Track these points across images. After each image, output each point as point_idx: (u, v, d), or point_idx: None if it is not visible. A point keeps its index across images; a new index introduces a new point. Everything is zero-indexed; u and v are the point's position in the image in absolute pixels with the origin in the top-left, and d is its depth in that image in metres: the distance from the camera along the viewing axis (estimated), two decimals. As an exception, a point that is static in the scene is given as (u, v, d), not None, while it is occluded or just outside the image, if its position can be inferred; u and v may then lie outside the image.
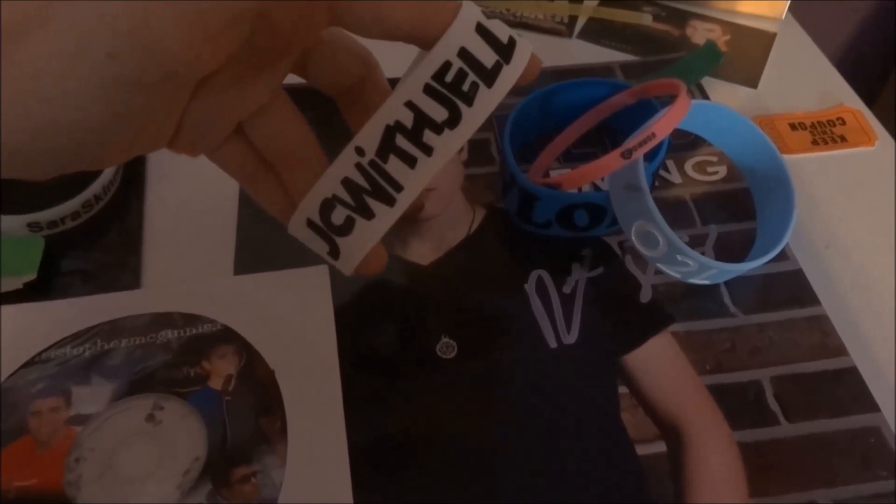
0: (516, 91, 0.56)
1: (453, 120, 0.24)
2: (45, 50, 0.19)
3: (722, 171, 0.49)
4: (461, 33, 0.24)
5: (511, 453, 0.36)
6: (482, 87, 0.24)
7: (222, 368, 0.38)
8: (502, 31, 0.24)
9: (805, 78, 0.58)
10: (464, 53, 0.24)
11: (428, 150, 0.24)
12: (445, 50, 0.24)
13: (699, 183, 0.49)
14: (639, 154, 0.39)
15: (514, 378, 0.38)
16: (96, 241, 0.44)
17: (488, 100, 0.24)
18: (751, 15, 0.63)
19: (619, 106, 0.48)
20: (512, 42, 0.24)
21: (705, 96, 0.55)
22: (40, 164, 0.22)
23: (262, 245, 0.44)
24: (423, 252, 0.44)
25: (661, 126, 0.39)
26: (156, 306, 0.40)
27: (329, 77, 0.28)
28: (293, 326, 0.39)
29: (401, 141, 0.24)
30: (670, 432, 0.37)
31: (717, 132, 0.47)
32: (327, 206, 0.26)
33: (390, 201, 0.25)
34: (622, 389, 0.38)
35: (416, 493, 0.34)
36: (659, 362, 0.39)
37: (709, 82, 0.57)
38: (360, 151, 0.25)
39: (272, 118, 0.27)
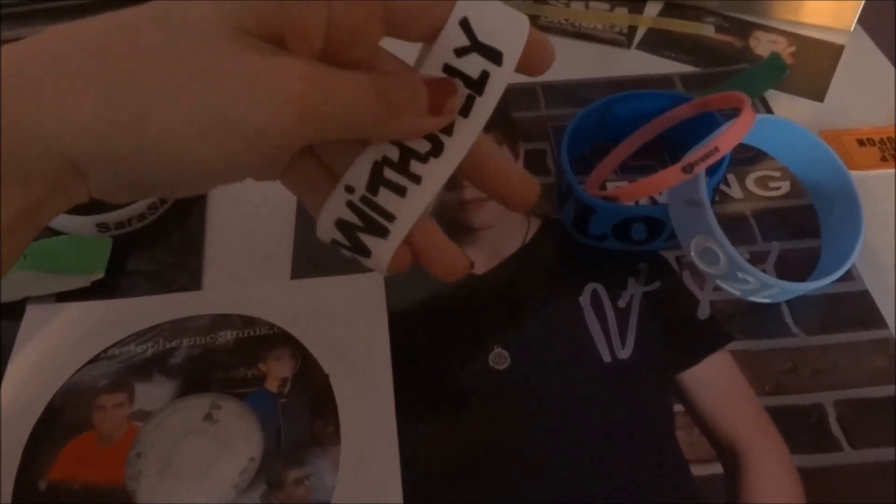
0: (573, 102, 0.55)
1: (436, 149, 0.25)
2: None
3: (785, 186, 0.48)
4: (441, 53, 0.25)
5: (562, 467, 0.35)
6: (458, 118, 0.25)
7: (278, 371, 0.38)
8: (473, 68, 0.25)
9: (874, 92, 0.56)
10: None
11: (416, 179, 0.25)
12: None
13: (761, 198, 0.47)
14: (700, 168, 0.38)
15: (567, 391, 0.38)
16: (160, 242, 0.45)
17: (467, 129, 0.25)
18: (817, 26, 0.62)
19: (679, 118, 0.47)
20: (484, 75, 0.25)
21: (769, 110, 0.54)
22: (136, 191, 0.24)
23: (318, 250, 0.44)
24: (476, 261, 0.44)
25: (725, 140, 0.38)
26: (215, 308, 0.41)
27: None
28: (348, 332, 0.40)
29: (389, 174, 0.25)
30: (727, 454, 0.36)
31: (780, 147, 0.46)
32: (333, 246, 0.27)
33: (383, 233, 0.26)
34: (678, 408, 0.37)
35: (465, 502, 0.34)
36: (716, 381, 0.38)
37: (773, 95, 0.55)
38: (349, 189, 0.26)
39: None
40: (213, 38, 0.21)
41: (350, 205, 0.26)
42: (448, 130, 0.25)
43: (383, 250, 0.26)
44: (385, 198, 0.26)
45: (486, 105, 0.25)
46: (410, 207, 0.26)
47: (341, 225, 0.26)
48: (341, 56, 0.25)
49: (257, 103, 0.21)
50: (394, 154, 0.25)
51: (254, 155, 0.23)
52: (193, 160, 0.22)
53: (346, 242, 0.26)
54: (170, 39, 0.21)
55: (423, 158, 0.25)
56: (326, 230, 0.26)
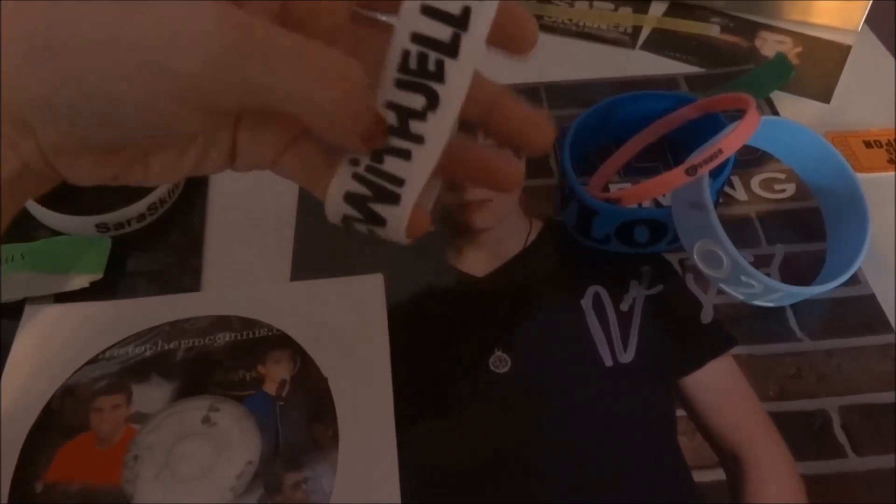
0: (577, 103, 0.55)
1: (432, 102, 0.24)
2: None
3: (790, 188, 0.47)
4: (408, 20, 0.24)
5: (561, 471, 0.35)
6: (447, 60, 0.24)
7: (277, 373, 0.38)
8: (452, 5, 0.24)
9: (881, 93, 0.55)
10: (417, 37, 0.24)
11: (419, 139, 0.25)
12: (399, 41, 0.24)
13: (766, 201, 0.47)
14: (704, 171, 0.38)
15: (568, 395, 0.38)
16: (160, 243, 0.45)
17: (459, 70, 0.24)
18: (824, 26, 0.61)
19: (683, 119, 0.46)
20: (466, 11, 0.24)
21: (775, 111, 0.54)
22: (89, 128, 0.23)
23: (318, 252, 0.44)
24: (478, 263, 0.43)
25: (729, 142, 0.38)
26: (215, 309, 0.41)
27: None
28: (347, 334, 0.40)
29: (391, 140, 0.25)
30: (730, 460, 0.35)
31: (786, 148, 0.46)
32: (346, 223, 0.26)
33: (395, 199, 0.25)
34: (680, 412, 0.37)
35: (465, 508, 0.34)
36: (719, 386, 0.38)
37: (778, 97, 0.55)
38: (354, 162, 0.25)
39: None
40: None
41: (357, 176, 0.25)
42: (439, 77, 0.24)
43: (397, 216, 0.26)
44: (391, 164, 0.25)
45: (475, 40, 0.24)
46: (418, 169, 0.25)
47: (351, 198, 0.26)
48: (307, 24, 0.24)
49: (168, 43, 0.20)
50: (392, 119, 0.25)
51: (177, 104, 0.21)
52: (122, 104, 0.22)
53: (358, 215, 0.26)
54: None
55: (421, 115, 0.24)
56: (336, 206, 0.26)
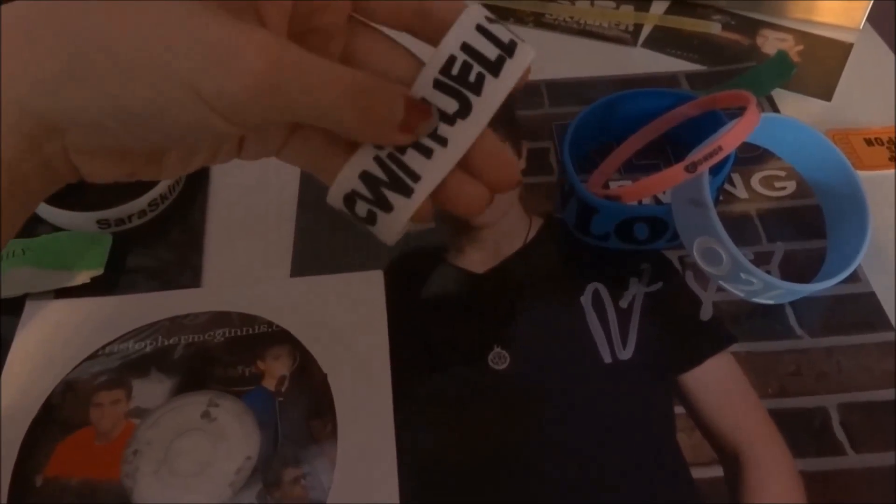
0: (578, 100, 0.55)
1: (464, 110, 0.25)
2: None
3: (791, 186, 0.47)
4: (463, 30, 0.25)
5: (560, 468, 0.35)
6: (488, 77, 0.25)
7: (276, 369, 0.38)
8: (503, 33, 0.26)
9: (883, 91, 0.55)
10: (467, 48, 0.25)
11: (443, 142, 0.26)
12: (449, 45, 0.25)
13: (766, 198, 0.47)
14: (704, 168, 0.38)
15: (566, 392, 0.38)
16: (161, 239, 0.45)
17: (496, 89, 0.25)
18: (826, 24, 0.61)
19: (684, 117, 0.46)
20: (513, 43, 0.26)
21: (776, 109, 0.53)
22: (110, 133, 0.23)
23: (318, 248, 0.44)
24: (477, 260, 0.43)
25: (729, 139, 0.38)
26: (215, 305, 0.41)
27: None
28: (347, 330, 0.40)
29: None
30: (728, 457, 0.35)
31: (786, 146, 0.46)
32: (350, 200, 0.27)
33: (407, 192, 0.26)
34: (679, 410, 0.37)
35: (462, 502, 0.34)
36: (718, 383, 0.38)
37: (780, 94, 0.55)
38: (378, 145, 0.26)
39: None
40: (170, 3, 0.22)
41: (378, 159, 0.26)
42: (477, 89, 0.25)
43: (405, 208, 0.26)
44: (412, 157, 0.26)
45: (515, 68, 0.25)
46: (435, 170, 0.26)
47: (366, 177, 0.26)
48: (313, 20, 0.25)
49: (213, 70, 0.21)
50: None
51: (215, 118, 0.22)
52: (156, 120, 0.22)
53: (368, 195, 0.26)
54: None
55: (451, 120, 0.25)
56: (349, 181, 0.26)
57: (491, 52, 0.25)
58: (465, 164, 0.27)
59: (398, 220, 0.26)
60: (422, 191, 0.26)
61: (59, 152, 0.24)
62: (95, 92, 0.22)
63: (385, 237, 0.27)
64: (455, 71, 0.25)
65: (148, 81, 0.22)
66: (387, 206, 0.26)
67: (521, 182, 0.28)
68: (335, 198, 0.27)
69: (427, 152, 0.26)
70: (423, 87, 0.25)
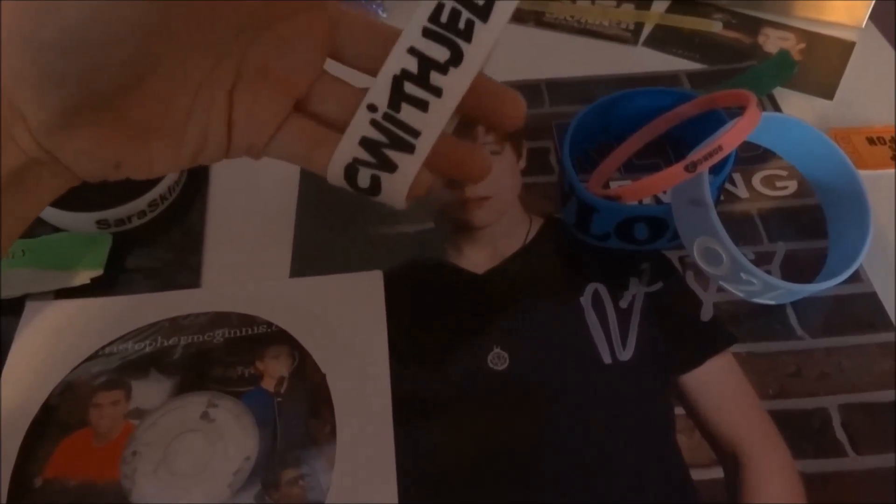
0: (578, 99, 0.55)
1: (456, 58, 0.25)
2: None
3: (792, 185, 0.47)
4: None
5: (559, 469, 0.35)
6: (478, 22, 0.25)
7: (275, 370, 0.38)
8: None
9: (885, 89, 0.55)
10: None
11: (437, 92, 0.25)
12: None
13: (767, 198, 0.47)
14: (704, 168, 0.38)
15: (566, 393, 0.37)
16: (160, 239, 0.45)
17: (487, 34, 0.25)
18: (828, 22, 0.61)
19: (685, 116, 0.46)
20: None
21: (777, 108, 0.53)
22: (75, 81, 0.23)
23: (318, 249, 0.44)
24: (477, 260, 0.43)
25: (729, 139, 0.38)
26: (214, 305, 0.41)
27: (362, 58, 0.28)
28: (346, 331, 0.40)
29: (410, 88, 0.25)
30: (728, 458, 0.35)
31: (788, 145, 0.45)
32: (351, 171, 0.27)
33: (409, 148, 0.26)
34: (678, 410, 0.37)
35: (460, 503, 0.34)
36: (718, 384, 0.38)
37: (781, 93, 0.54)
38: (372, 108, 0.26)
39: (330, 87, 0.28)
40: None
41: (374, 123, 0.26)
42: (467, 36, 0.25)
43: (410, 164, 0.26)
44: (408, 114, 0.26)
45: (503, 11, 0.25)
46: (433, 121, 0.26)
47: (366, 142, 0.26)
48: None
49: None
50: (413, 66, 0.25)
51: (167, 16, 0.22)
52: (108, 24, 0.22)
53: (371, 159, 0.26)
54: None
55: (443, 69, 0.25)
56: (350, 151, 0.26)
57: None
58: (470, 108, 0.26)
59: (404, 179, 0.26)
60: (424, 144, 0.26)
61: (29, 139, 0.23)
62: (37, 12, 0.21)
63: (394, 201, 0.27)
64: (444, 19, 0.25)
65: None
66: (390, 167, 0.26)
67: (524, 116, 0.28)
68: (335, 172, 0.27)
69: (423, 105, 0.26)
70: (413, 36, 0.25)
